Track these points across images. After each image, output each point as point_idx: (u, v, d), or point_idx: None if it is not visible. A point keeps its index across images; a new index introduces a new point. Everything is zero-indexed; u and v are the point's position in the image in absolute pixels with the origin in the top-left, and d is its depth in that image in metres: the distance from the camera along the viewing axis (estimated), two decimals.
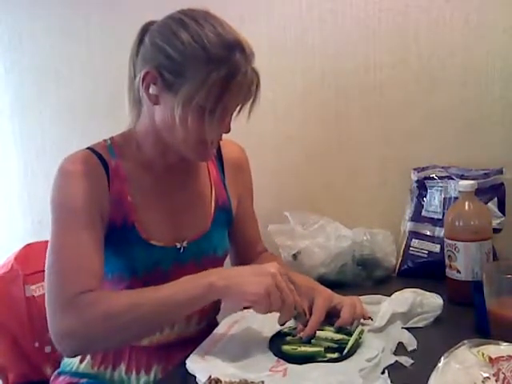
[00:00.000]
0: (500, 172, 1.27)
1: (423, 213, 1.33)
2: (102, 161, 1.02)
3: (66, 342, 0.91)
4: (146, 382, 1.05)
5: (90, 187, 0.99)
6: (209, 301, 0.95)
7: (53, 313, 0.91)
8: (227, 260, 1.28)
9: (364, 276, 1.27)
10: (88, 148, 1.05)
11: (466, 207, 1.11)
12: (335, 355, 0.90)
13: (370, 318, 1.02)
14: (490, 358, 0.71)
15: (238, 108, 1.02)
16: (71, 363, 1.10)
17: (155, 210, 1.06)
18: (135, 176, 1.06)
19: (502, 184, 1.27)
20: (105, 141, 1.08)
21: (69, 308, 0.90)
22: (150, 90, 0.99)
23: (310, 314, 0.97)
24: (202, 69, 0.93)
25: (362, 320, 1.00)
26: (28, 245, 1.30)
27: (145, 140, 1.07)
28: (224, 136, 1.27)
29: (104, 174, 1.02)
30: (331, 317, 0.99)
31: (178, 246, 1.07)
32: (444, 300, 1.04)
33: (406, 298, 1.03)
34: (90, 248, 0.96)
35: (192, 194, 1.13)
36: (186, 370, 0.88)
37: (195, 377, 0.86)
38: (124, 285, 1.05)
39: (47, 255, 0.96)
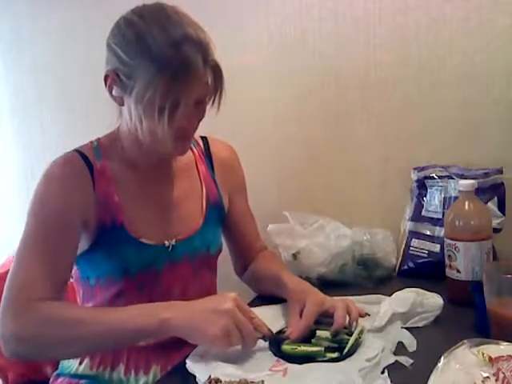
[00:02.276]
0: (500, 171, 1.27)
1: (423, 212, 1.33)
2: (88, 162, 1.04)
3: (10, 345, 0.91)
4: (145, 382, 1.05)
5: (71, 190, 1.00)
6: (162, 336, 0.96)
7: (4, 314, 0.92)
8: (224, 258, 1.28)
9: (364, 276, 1.27)
10: (75, 150, 1.06)
11: (466, 207, 1.11)
12: (335, 355, 0.91)
13: (366, 314, 1.02)
14: (490, 358, 0.71)
15: (211, 101, 1.02)
16: (70, 365, 1.10)
17: (144, 209, 1.07)
18: (121, 176, 1.06)
19: (502, 184, 1.27)
20: (91, 142, 1.09)
21: (20, 313, 0.91)
22: (114, 92, 1.01)
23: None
24: (148, 68, 0.93)
25: (359, 318, 0.99)
26: None
27: (127, 140, 1.08)
28: (218, 136, 1.27)
29: (88, 175, 1.03)
30: (326, 323, 0.98)
31: (167, 244, 1.07)
32: (444, 300, 1.04)
33: (406, 297, 1.03)
34: (56, 256, 0.96)
35: (181, 191, 1.13)
36: (186, 369, 0.88)
37: (195, 377, 0.86)
38: (117, 288, 1.05)
39: (14, 255, 0.97)
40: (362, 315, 1.01)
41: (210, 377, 0.82)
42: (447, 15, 1.35)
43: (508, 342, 0.76)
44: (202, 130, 1.22)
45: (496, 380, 0.69)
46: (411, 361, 0.87)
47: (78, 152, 1.05)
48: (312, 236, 1.32)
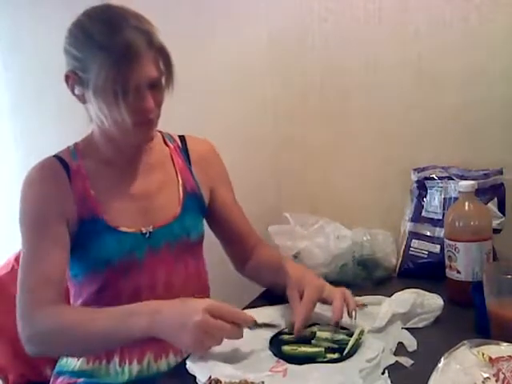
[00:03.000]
0: (500, 172, 1.27)
1: (423, 213, 1.33)
2: (64, 164, 1.09)
3: (28, 346, 0.99)
4: (140, 370, 1.06)
5: (50, 191, 1.06)
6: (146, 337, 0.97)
7: (18, 320, 1.00)
8: (223, 257, 1.28)
9: (364, 276, 1.27)
10: (52, 155, 1.12)
11: (466, 207, 1.11)
12: (335, 355, 0.91)
13: (363, 305, 1.04)
14: (490, 358, 0.71)
15: (167, 84, 1.05)
16: (68, 363, 1.11)
17: (120, 201, 1.11)
18: (96, 172, 1.11)
19: (502, 184, 1.27)
20: (68, 147, 1.15)
21: (28, 319, 0.99)
22: (76, 92, 1.06)
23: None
24: (96, 56, 0.98)
25: (357, 309, 1.01)
26: None
27: (100, 140, 1.13)
28: (218, 135, 1.26)
29: (65, 175, 1.08)
30: (325, 322, 0.99)
31: (144, 230, 1.10)
32: (444, 300, 1.04)
33: (406, 298, 1.03)
34: (51, 259, 1.02)
35: (156, 183, 1.16)
36: (186, 370, 0.88)
37: (195, 377, 0.86)
38: (102, 280, 1.07)
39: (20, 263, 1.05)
40: (359, 305, 1.03)
41: (210, 377, 0.82)
42: (447, 15, 1.35)
43: (508, 342, 0.76)
44: (203, 130, 1.22)
45: (496, 380, 0.69)
46: (411, 361, 0.87)
47: (55, 156, 1.11)
48: (312, 237, 1.32)
